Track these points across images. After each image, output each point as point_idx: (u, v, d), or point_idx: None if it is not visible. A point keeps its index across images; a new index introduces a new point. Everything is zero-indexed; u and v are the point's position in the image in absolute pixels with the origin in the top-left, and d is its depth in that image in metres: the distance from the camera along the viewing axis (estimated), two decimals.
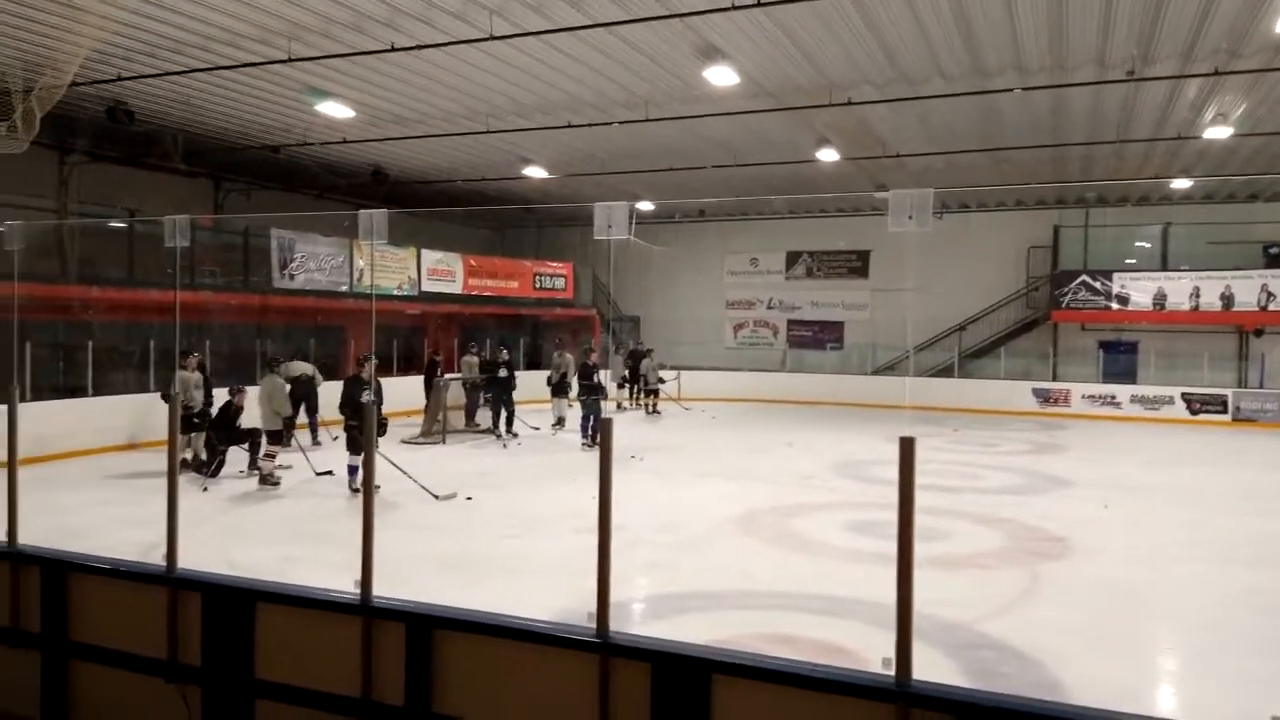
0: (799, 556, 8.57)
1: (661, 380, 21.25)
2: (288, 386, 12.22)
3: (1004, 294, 24.18)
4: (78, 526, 8.43)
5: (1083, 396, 21.92)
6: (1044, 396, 22.21)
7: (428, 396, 16.30)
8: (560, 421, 17.12)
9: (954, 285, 23.24)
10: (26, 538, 5.41)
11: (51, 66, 7.84)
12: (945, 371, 23.74)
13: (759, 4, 9.66)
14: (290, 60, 11.91)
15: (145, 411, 13.39)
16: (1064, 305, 22.63)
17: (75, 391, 14.10)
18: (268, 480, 11.34)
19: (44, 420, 12.01)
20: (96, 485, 11.41)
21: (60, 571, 5.11)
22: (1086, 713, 3.45)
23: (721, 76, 12.61)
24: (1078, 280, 22.54)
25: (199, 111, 15.28)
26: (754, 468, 13.61)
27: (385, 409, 10.30)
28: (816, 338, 26.79)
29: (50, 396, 13.78)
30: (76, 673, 5.04)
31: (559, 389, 17.11)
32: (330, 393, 13.25)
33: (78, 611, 5.06)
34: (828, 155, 17.58)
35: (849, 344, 26.16)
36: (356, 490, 10.68)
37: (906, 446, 3.33)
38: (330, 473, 11.73)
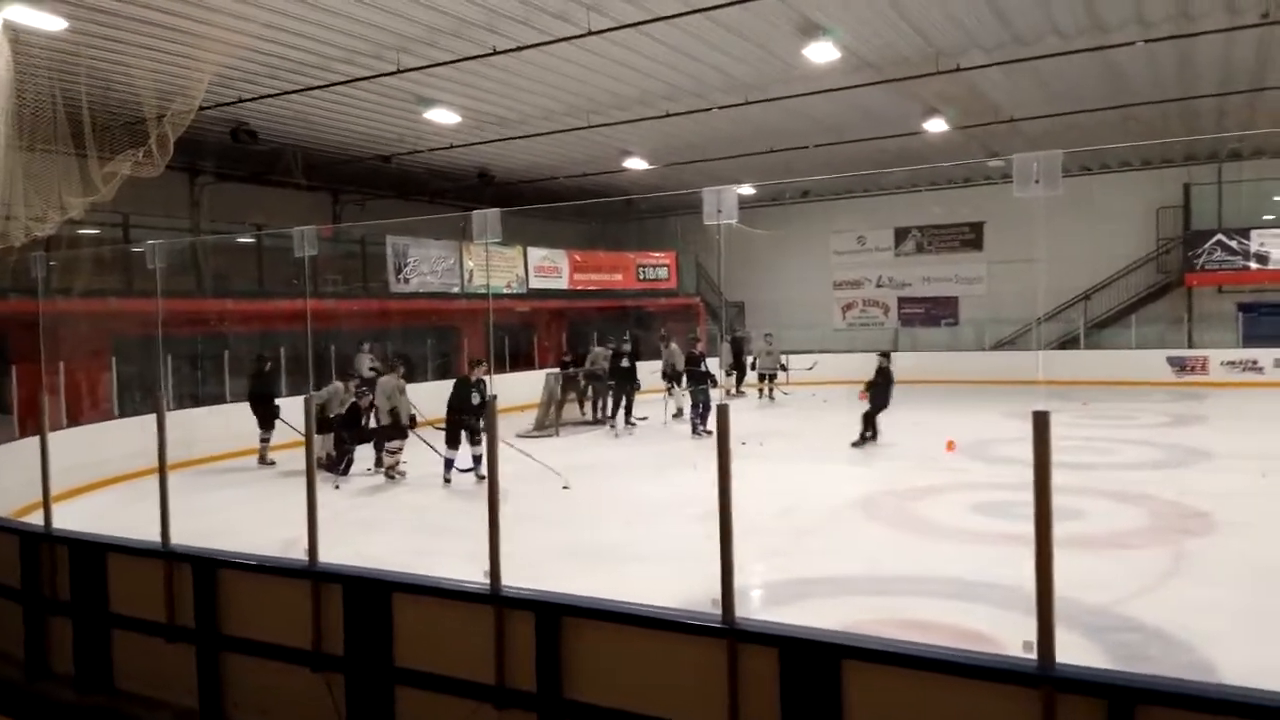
0: (924, 540, 8.35)
1: (783, 366, 20.91)
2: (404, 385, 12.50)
3: (1132, 259, 22.93)
4: (222, 526, 8.90)
5: (1222, 363, 20.62)
6: (1180, 365, 20.98)
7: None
8: (679, 412, 17.15)
9: (1077, 252, 22.12)
10: (177, 537, 5.76)
11: (181, 93, 8.28)
12: (1070, 343, 22.68)
13: None
14: (399, 71, 12.29)
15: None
16: (1198, 267, 21.33)
17: (214, 399, 14.92)
18: (390, 474, 11.83)
19: (186, 427, 12.74)
20: (235, 486, 12.04)
21: (211, 569, 5.41)
22: (1246, 694, 3.23)
23: (822, 53, 12.34)
24: (1212, 240, 21.21)
25: (315, 128, 15.94)
26: (871, 450, 13.32)
27: (499, 404, 10.52)
28: (930, 314, 26.02)
29: (190, 404, 14.63)
30: (229, 664, 5.32)
31: (670, 380, 17.14)
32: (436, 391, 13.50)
33: (228, 606, 5.34)
34: (935, 126, 17.00)
35: (964, 319, 25.33)
36: (448, 480, 11.36)
37: (1041, 421, 3.19)
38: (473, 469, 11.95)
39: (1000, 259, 23.99)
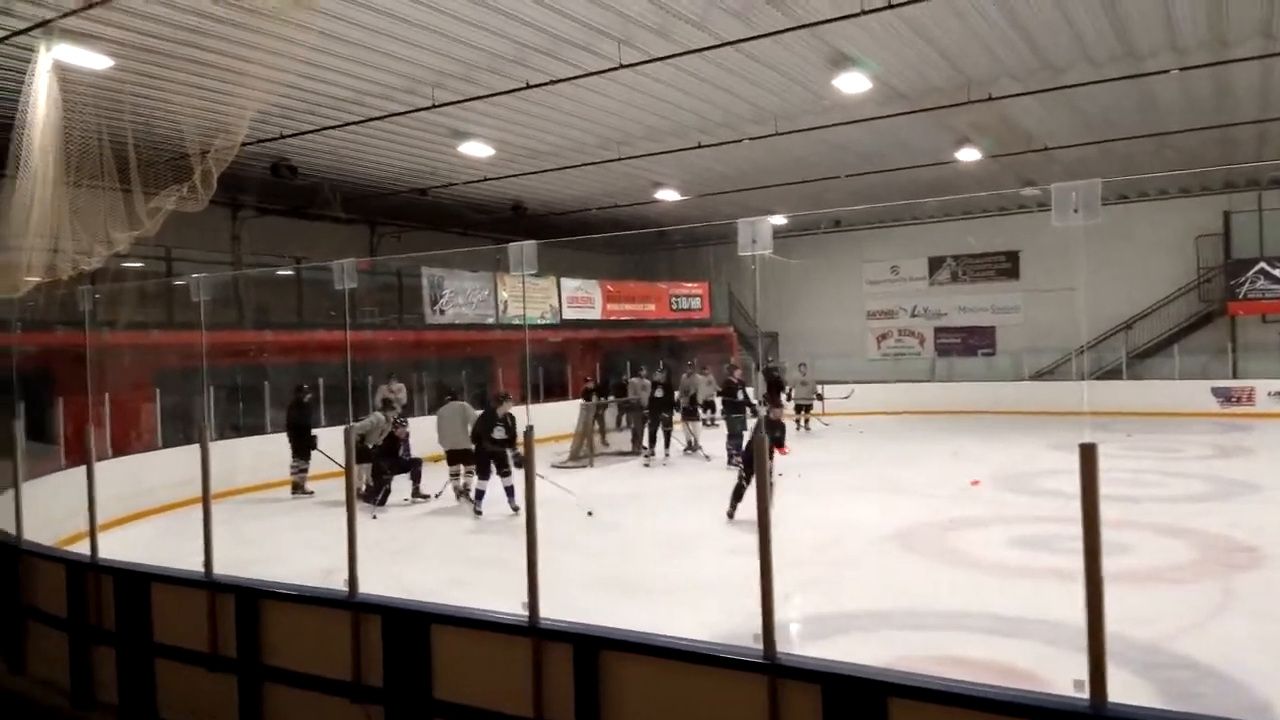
0: (964, 573, 8.22)
1: (819, 396, 20.80)
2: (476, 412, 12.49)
3: (1172, 288, 22.60)
4: (263, 554, 9.00)
5: (1269, 394, 20.14)
6: (1225, 396, 20.53)
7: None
8: (690, 446, 16.49)
9: (1116, 281, 21.83)
10: (220, 566, 5.81)
11: (223, 129, 8.47)
12: (1112, 374, 22.31)
13: (889, 6, 9.44)
14: (434, 106, 12.51)
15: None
16: (1241, 296, 20.96)
17: (254, 430, 15.11)
18: (464, 495, 11.99)
19: (228, 457, 12.91)
20: (275, 515, 12.16)
21: (253, 599, 5.44)
22: None
23: (853, 83, 12.38)
24: (1255, 268, 20.85)
25: (353, 162, 16.23)
26: (909, 482, 13.15)
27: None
28: (966, 344, 25.78)
29: (231, 435, 14.83)
30: (270, 694, 5.32)
31: (688, 413, 16.81)
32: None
33: (269, 636, 5.36)
34: (968, 155, 16.95)
35: (1001, 349, 25.06)
36: (479, 512, 11.37)
37: (1088, 454, 3.14)
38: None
39: (1037, 288, 23.74)
